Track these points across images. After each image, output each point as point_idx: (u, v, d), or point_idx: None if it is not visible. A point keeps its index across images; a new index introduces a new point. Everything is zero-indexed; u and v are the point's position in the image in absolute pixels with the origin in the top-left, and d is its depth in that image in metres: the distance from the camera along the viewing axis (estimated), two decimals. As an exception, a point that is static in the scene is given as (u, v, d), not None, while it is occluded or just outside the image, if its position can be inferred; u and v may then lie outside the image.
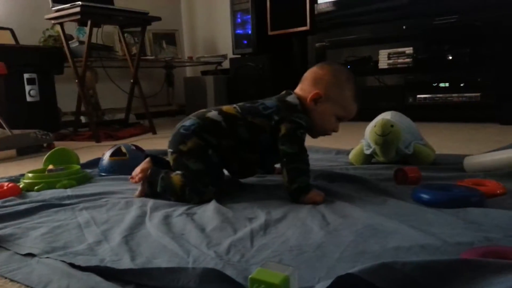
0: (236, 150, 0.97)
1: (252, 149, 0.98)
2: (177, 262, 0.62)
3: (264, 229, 0.74)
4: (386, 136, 1.17)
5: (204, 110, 1.02)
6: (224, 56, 3.66)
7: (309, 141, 1.09)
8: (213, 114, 0.99)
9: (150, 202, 0.94)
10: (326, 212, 0.82)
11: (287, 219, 0.79)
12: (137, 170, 1.02)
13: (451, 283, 0.48)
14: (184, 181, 0.94)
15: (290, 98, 1.00)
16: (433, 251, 0.60)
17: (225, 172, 1.03)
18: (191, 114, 1.02)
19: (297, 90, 1.03)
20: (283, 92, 1.04)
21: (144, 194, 1.00)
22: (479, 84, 2.31)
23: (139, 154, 1.36)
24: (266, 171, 1.19)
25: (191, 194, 0.93)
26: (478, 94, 2.28)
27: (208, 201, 0.92)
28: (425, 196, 0.84)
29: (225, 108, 1.00)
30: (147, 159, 1.03)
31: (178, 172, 0.96)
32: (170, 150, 0.99)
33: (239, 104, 1.02)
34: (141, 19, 2.69)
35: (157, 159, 1.05)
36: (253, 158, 1.00)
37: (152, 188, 0.98)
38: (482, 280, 0.47)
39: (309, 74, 1.03)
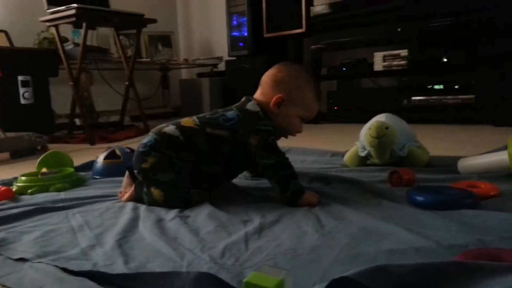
0: (197, 163, 0.95)
1: (213, 161, 0.96)
2: (171, 266, 0.61)
3: (258, 232, 0.74)
4: (380, 139, 1.17)
5: (162, 125, 0.99)
6: (220, 58, 3.66)
7: (304, 143, 1.09)
8: (170, 128, 0.96)
9: (143, 205, 0.94)
10: (321, 214, 0.81)
11: (282, 222, 0.79)
12: (122, 188, 1.03)
13: (445, 286, 0.48)
14: (164, 194, 0.92)
15: (250, 106, 0.97)
16: (428, 254, 0.60)
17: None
18: (151, 131, 1.00)
19: (257, 95, 1.01)
20: (243, 99, 1.02)
21: (132, 199, 0.99)
22: (474, 86, 2.32)
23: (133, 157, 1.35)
24: (260, 174, 1.19)
25: (176, 204, 0.91)
26: (473, 96, 2.29)
27: (200, 203, 0.91)
28: (419, 198, 0.84)
29: (184, 121, 0.98)
30: (127, 174, 1.02)
31: (155, 186, 0.94)
32: (135, 171, 0.98)
33: (199, 116, 1.00)
34: (137, 21, 2.69)
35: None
36: (216, 170, 0.98)
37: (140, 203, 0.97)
38: (476, 283, 0.47)
39: (268, 78, 1.00)
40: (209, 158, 0.95)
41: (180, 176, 0.93)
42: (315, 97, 1.01)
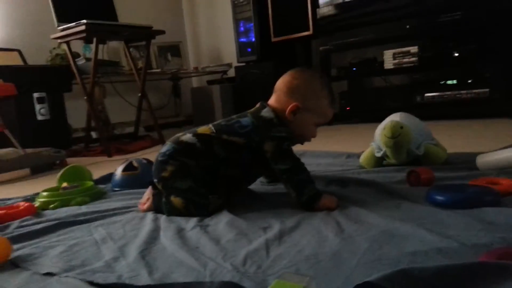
0: (215, 168, 0.97)
1: (231, 166, 0.98)
2: (195, 276, 0.62)
3: (279, 238, 0.74)
4: (396, 138, 1.17)
5: (179, 134, 1.01)
6: (229, 65, 3.68)
7: (318, 146, 1.09)
8: (187, 137, 0.98)
9: (163, 215, 0.95)
10: (340, 218, 0.81)
11: (301, 227, 0.79)
12: (144, 198, 1.04)
13: (470, 287, 0.48)
14: (184, 201, 0.94)
15: (265, 113, 0.98)
16: (451, 254, 0.59)
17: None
18: (168, 140, 1.02)
19: (272, 101, 1.01)
20: (258, 105, 1.03)
21: (151, 209, 1.01)
22: (487, 79, 2.29)
23: (150, 167, 1.36)
24: (277, 179, 1.20)
25: (196, 210, 0.93)
26: (487, 89, 2.25)
27: (219, 210, 0.93)
28: (439, 197, 0.83)
29: (200, 129, 1.00)
30: (150, 187, 1.03)
31: (174, 195, 0.96)
32: (155, 180, 1.00)
33: (215, 123, 1.01)
34: (146, 34, 2.72)
35: None
36: (234, 174, 0.99)
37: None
38: (501, 284, 0.47)
39: (282, 85, 1.01)
40: (226, 163, 0.97)
41: (198, 183, 0.95)
42: (330, 103, 1.01)
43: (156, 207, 0.99)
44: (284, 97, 0.99)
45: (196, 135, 0.98)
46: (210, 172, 0.97)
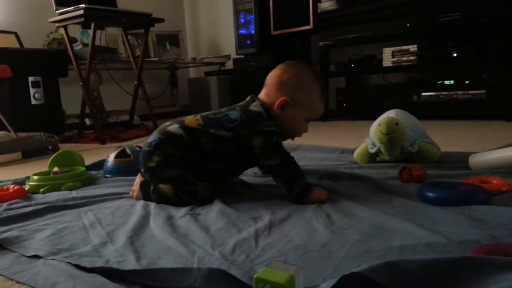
0: (201, 160, 0.95)
1: (217, 159, 0.96)
2: (182, 263, 0.62)
3: (268, 228, 0.74)
4: (391, 135, 1.17)
5: (166, 123, 1.00)
6: (228, 57, 3.66)
7: (313, 141, 1.09)
8: (174, 127, 0.97)
9: (154, 203, 0.95)
10: (331, 211, 0.81)
11: (291, 219, 0.79)
12: (134, 186, 1.03)
13: (456, 281, 0.48)
14: (173, 188, 0.93)
15: (254, 106, 0.96)
16: (439, 250, 0.60)
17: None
18: (156, 130, 1.01)
19: (262, 95, 1.00)
20: (247, 98, 1.01)
21: (140, 198, 1.00)
22: (484, 81, 2.29)
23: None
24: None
25: (186, 197, 0.93)
26: (484, 91, 2.26)
27: (210, 199, 0.92)
28: (430, 194, 0.84)
29: (187, 120, 0.98)
30: (139, 175, 1.03)
31: (163, 183, 0.95)
32: (142, 169, 0.99)
33: (203, 114, 0.99)
34: (144, 21, 2.70)
35: None
36: (219, 168, 0.98)
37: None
38: (488, 278, 0.47)
39: (273, 79, 0.99)
40: (212, 156, 0.96)
41: (187, 171, 0.94)
42: (320, 98, 0.99)
43: (145, 196, 0.99)
44: (274, 92, 0.97)
45: (183, 126, 0.96)
46: (198, 162, 0.96)
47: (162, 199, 0.95)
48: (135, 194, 1.02)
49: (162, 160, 0.95)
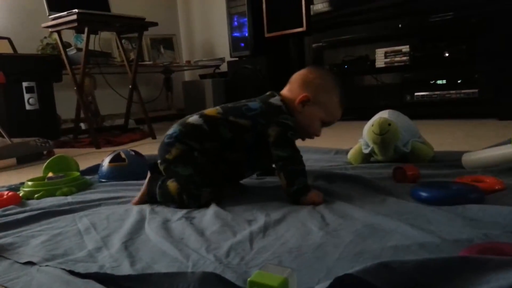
0: (220, 151, 0.97)
1: (236, 148, 0.98)
2: (177, 267, 0.62)
3: (263, 231, 0.74)
4: (384, 135, 1.17)
5: (187, 116, 1.02)
6: (222, 59, 3.66)
7: (307, 142, 1.09)
8: (194, 118, 0.99)
9: (149, 207, 0.95)
10: (325, 212, 0.82)
11: (286, 221, 0.79)
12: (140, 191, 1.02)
13: (450, 281, 0.48)
14: (179, 187, 0.94)
15: (274, 100, 1.00)
16: (432, 249, 0.60)
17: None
18: (176, 122, 1.02)
19: (285, 91, 1.03)
20: (268, 93, 1.04)
21: (141, 202, 1.00)
22: (477, 80, 2.31)
23: (138, 159, 1.36)
24: (265, 172, 1.19)
25: (188, 199, 0.93)
26: (476, 90, 2.28)
27: (207, 204, 0.92)
28: (423, 194, 0.84)
29: (207, 111, 1.01)
30: (149, 176, 1.02)
31: (173, 179, 0.96)
32: (158, 161, 1.00)
33: (222, 105, 1.03)
34: (138, 25, 2.69)
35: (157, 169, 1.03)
36: (238, 158, 0.99)
37: (152, 199, 0.99)
38: (481, 277, 0.47)
39: (298, 76, 1.03)
40: (231, 145, 0.97)
41: (197, 172, 0.95)
42: (339, 103, 1.03)
43: (150, 191, 0.98)
44: (297, 88, 1.01)
45: (203, 116, 0.99)
46: (214, 157, 0.96)
47: (164, 196, 0.95)
48: (137, 196, 1.01)
49: (179, 154, 0.95)
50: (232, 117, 0.97)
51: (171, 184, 0.95)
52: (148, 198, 0.99)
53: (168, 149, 0.97)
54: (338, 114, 1.04)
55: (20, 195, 1.15)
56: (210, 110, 1.01)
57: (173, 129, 1.00)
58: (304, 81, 1.01)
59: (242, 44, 3.27)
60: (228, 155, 0.98)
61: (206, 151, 0.96)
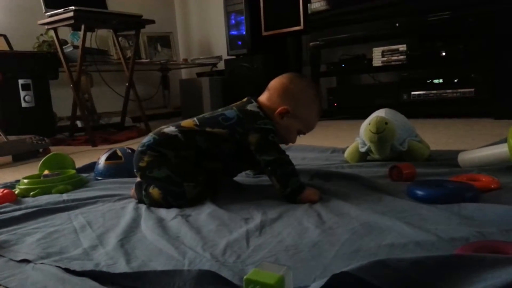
0: (195, 159, 0.96)
1: (212, 158, 0.97)
2: (173, 265, 0.61)
3: (259, 229, 0.74)
4: (380, 134, 1.17)
5: (162, 126, 1.01)
6: (219, 58, 3.65)
7: (304, 141, 1.09)
8: (169, 129, 0.98)
9: (145, 205, 0.95)
10: (322, 210, 0.82)
11: (282, 219, 0.79)
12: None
13: (445, 279, 0.48)
14: (161, 192, 0.93)
15: (250, 107, 0.99)
16: (428, 247, 0.60)
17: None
18: (151, 132, 1.01)
19: (263, 98, 1.02)
20: (244, 99, 1.03)
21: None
22: (473, 79, 2.32)
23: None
24: (262, 171, 1.19)
25: (174, 200, 0.92)
26: (472, 89, 2.29)
27: (201, 201, 0.92)
28: (419, 192, 0.84)
29: (184, 122, 0.99)
30: (135, 183, 1.02)
31: (153, 185, 0.95)
32: (134, 170, 0.99)
33: (199, 116, 1.01)
34: (135, 22, 2.69)
35: None
36: (214, 167, 0.99)
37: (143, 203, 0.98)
38: (477, 275, 0.47)
39: (278, 86, 1.02)
40: (208, 155, 0.96)
41: (174, 172, 0.94)
42: (317, 116, 1.04)
43: (139, 198, 0.99)
44: (277, 98, 1.00)
45: (179, 127, 0.98)
46: (188, 162, 0.96)
47: (152, 203, 0.95)
48: (133, 192, 1.02)
49: (152, 160, 0.95)
50: (209, 128, 0.96)
51: (153, 191, 0.94)
52: (139, 202, 0.98)
53: (141, 156, 0.96)
54: (314, 125, 1.06)
55: (16, 192, 1.15)
56: (187, 122, 0.99)
57: (147, 138, 0.99)
58: (284, 92, 1.00)
59: (240, 42, 3.26)
60: (206, 164, 0.97)
61: (182, 157, 0.95)
